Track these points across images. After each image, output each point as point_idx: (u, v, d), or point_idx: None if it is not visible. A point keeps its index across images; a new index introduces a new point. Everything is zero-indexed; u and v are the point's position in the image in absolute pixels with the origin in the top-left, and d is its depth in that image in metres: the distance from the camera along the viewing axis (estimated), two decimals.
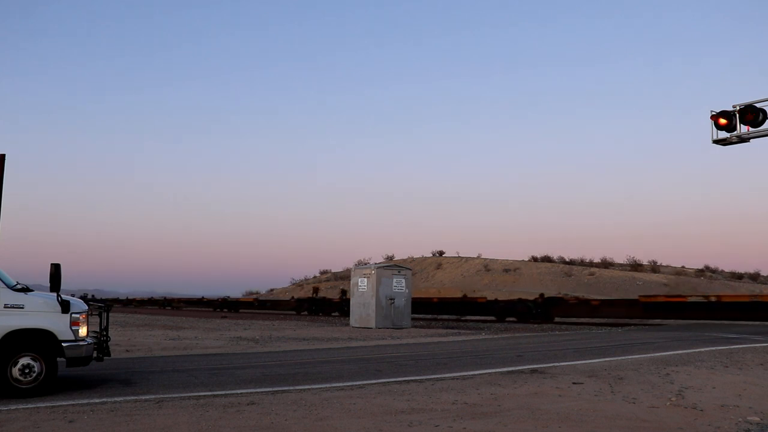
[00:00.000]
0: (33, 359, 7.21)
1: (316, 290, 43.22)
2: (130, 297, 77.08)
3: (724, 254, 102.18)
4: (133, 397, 7.03)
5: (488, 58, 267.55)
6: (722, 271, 54.55)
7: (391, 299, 22.40)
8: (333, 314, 34.09)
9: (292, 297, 46.83)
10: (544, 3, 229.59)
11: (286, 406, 6.52)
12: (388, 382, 8.22)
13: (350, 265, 44.59)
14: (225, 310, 44.48)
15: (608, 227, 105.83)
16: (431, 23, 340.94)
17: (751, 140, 14.38)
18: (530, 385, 7.87)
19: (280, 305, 43.03)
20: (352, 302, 23.55)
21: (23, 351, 7.19)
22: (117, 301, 68.37)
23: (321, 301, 37.59)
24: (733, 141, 14.42)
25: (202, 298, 53.91)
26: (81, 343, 7.52)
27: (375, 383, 8.08)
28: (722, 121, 14.38)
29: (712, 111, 14.57)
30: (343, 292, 35.52)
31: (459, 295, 37.83)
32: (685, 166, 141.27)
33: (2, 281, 7.35)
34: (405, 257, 65.40)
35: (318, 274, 70.21)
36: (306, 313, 37.22)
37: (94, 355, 7.80)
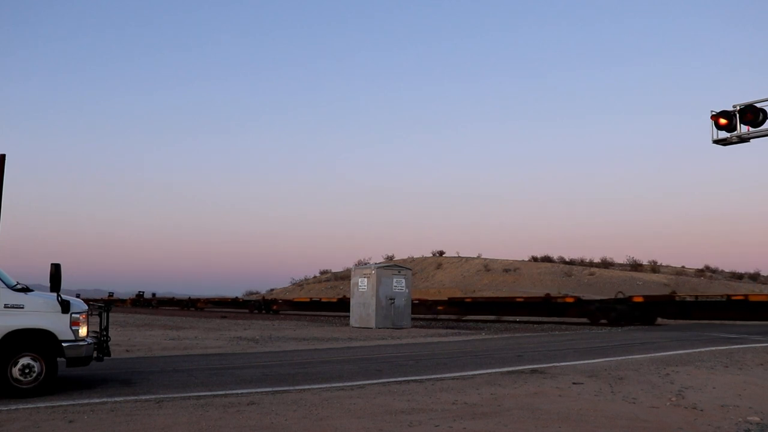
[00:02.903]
0: (33, 359, 7.21)
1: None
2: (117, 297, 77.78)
3: (724, 254, 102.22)
4: (133, 397, 7.03)
5: (487, 59, 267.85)
6: (722, 271, 54.53)
7: (391, 299, 22.40)
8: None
9: (238, 297, 50.27)
10: (546, 4, 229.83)
11: (286, 406, 6.52)
12: (388, 382, 8.22)
13: (350, 265, 44.65)
14: (192, 308, 47.81)
15: (608, 227, 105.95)
16: (430, 24, 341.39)
17: (751, 140, 14.36)
18: (530, 385, 7.87)
19: (240, 304, 45.28)
20: (352, 302, 23.56)
21: (23, 351, 7.19)
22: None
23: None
24: (733, 141, 14.40)
25: (173, 297, 58.25)
26: (81, 343, 7.52)
27: (375, 383, 8.09)
28: (722, 121, 14.36)
29: (712, 111, 14.54)
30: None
31: (459, 294, 37.89)
32: (686, 166, 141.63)
33: (2, 281, 7.35)
34: (405, 257, 65.31)
35: (318, 274, 70.16)
36: (257, 311, 39.02)
37: (94, 355, 7.80)
